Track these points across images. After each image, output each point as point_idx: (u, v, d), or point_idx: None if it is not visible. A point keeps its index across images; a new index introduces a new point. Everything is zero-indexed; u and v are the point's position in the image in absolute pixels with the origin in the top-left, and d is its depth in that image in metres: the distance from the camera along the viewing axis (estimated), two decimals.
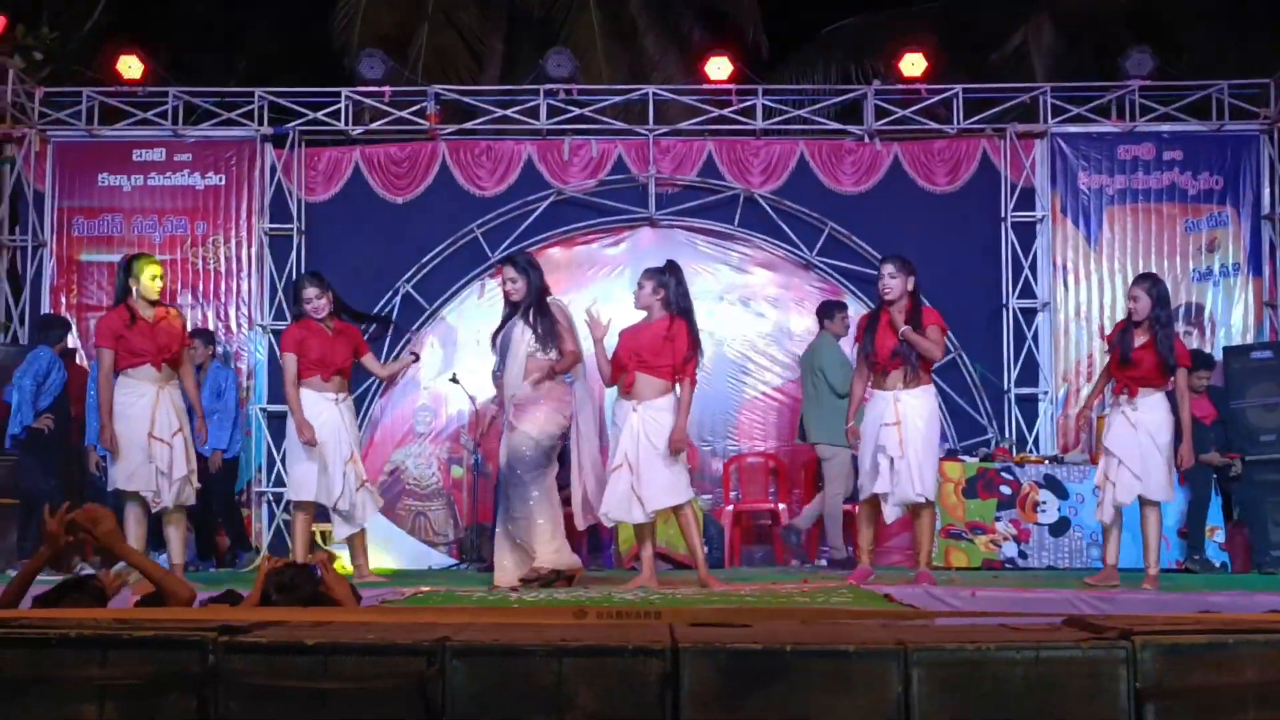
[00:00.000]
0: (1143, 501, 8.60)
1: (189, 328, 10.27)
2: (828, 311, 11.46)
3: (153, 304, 8.66)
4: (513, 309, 8.64)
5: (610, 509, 8.63)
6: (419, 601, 7.40)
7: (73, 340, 12.01)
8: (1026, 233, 12.37)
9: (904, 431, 8.49)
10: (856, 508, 9.17)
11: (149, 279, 8.61)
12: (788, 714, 3.30)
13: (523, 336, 8.46)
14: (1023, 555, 10.95)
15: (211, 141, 12.55)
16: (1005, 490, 10.98)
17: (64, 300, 12.32)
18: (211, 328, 12.10)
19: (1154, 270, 12.16)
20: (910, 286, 8.82)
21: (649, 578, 8.50)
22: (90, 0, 17.71)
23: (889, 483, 8.50)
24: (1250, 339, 12.09)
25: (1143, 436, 8.50)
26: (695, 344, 8.60)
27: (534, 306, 8.52)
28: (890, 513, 8.67)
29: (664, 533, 10.26)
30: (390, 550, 11.29)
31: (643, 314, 8.75)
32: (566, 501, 8.90)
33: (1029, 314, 12.22)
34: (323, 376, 8.98)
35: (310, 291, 9.06)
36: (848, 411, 9.20)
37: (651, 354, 8.52)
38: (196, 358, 10.79)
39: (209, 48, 18.61)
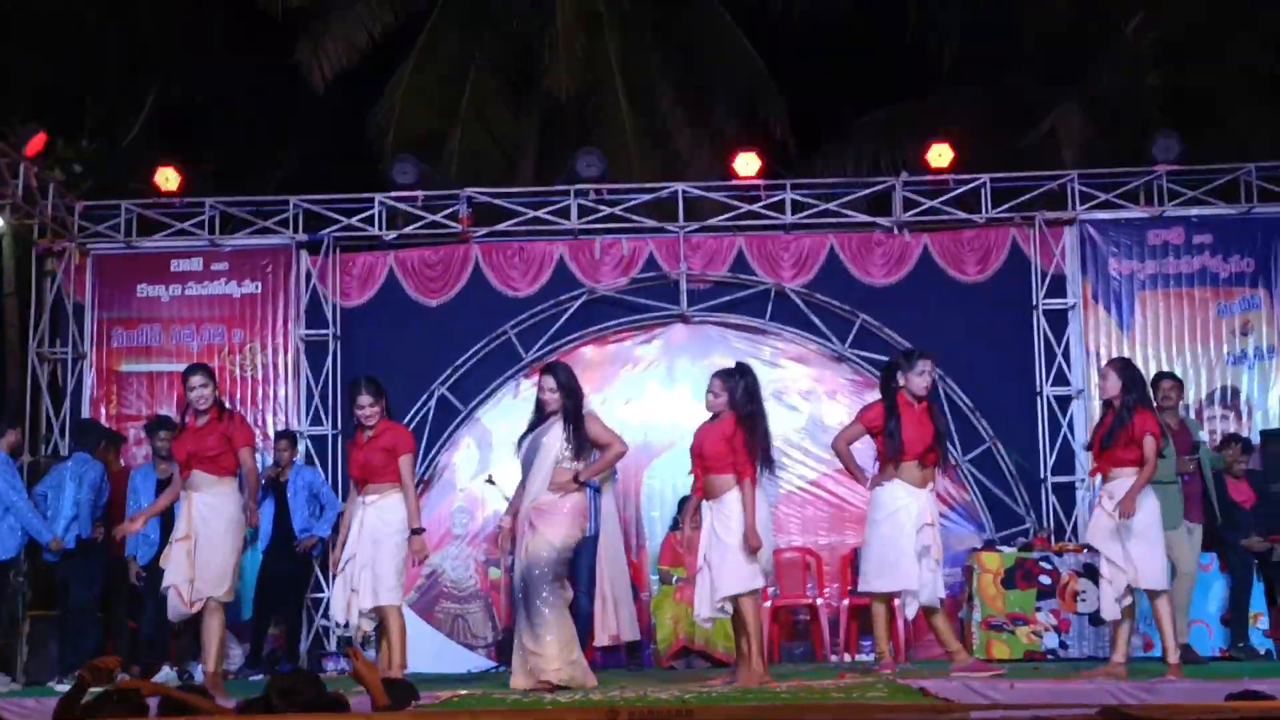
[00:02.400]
0: (1147, 591, 8.56)
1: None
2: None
3: (201, 412, 8.66)
4: (541, 416, 8.66)
5: (698, 609, 8.75)
6: (454, 705, 7.37)
7: (126, 454, 12.10)
8: (1058, 320, 12.38)
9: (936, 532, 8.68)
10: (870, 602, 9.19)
11: (190, 388, 8.66)
12: None
13: (554, 443, 8.48)
14: (1063, 645, 10.86)
15: (248, 250, 12.71)
16: (1045, 580, 10.91)
17: (104, 410, 12.42)
18: None
19: (1188, 354, 12.19)
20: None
21: (750, 675, 8.47)
22: (130, 113, 18.07)
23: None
24: None
25: (1120, 523, 8.49)
26: (755, 445, 8.62)
27: (573, 418, 8.54)
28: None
29: (701, 631, 10.25)
30: (429, 653, 11.27)
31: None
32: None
33: (1063, 401, 12.19)
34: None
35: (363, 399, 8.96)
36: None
37: (714, 456, 8.58)
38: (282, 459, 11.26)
39: (245, 157, 18.90)
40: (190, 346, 12.53)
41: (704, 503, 8.68)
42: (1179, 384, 10.79)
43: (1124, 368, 8.86)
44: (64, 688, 9.48)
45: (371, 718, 4.70)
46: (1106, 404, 8.75)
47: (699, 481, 8.74)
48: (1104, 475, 8.73)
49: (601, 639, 9.21)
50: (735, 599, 8.50)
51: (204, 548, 8.47)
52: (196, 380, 8.66)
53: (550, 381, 8.63)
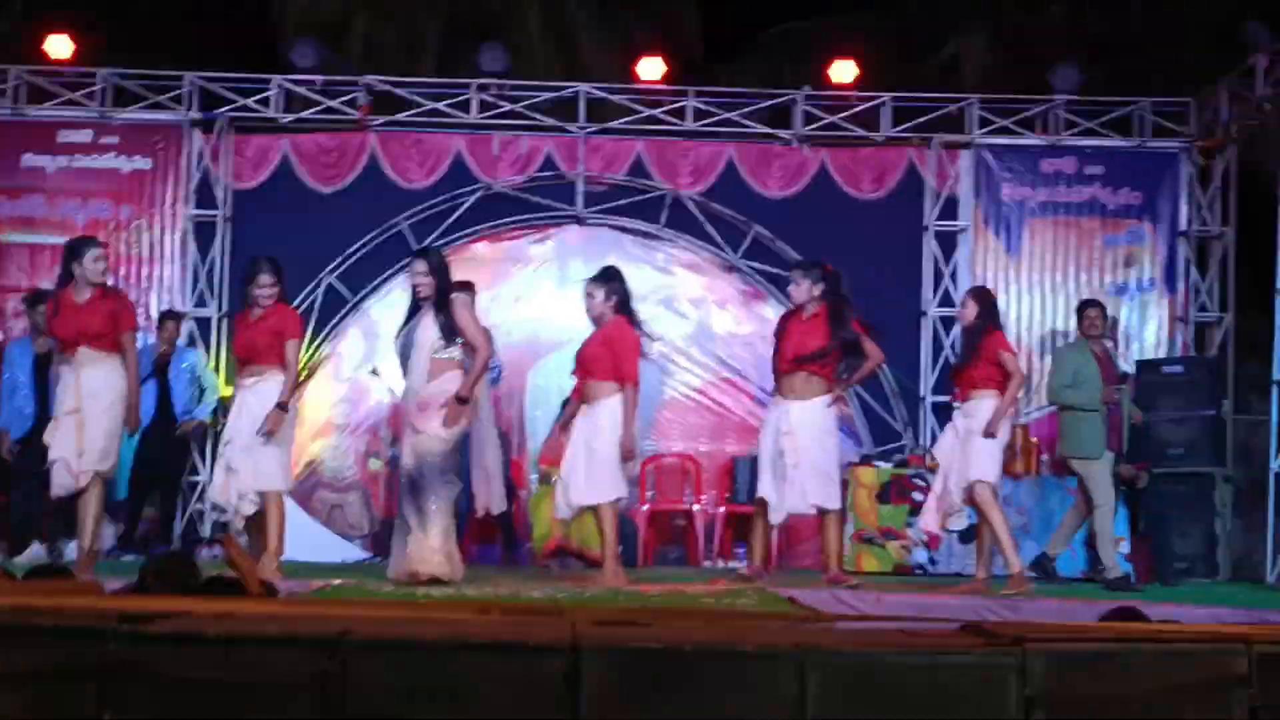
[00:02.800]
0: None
1: None
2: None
3: (93, 286, 8.45)
4: (417, 306, 8.62)
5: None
6: (324, 594, 7.38)
7: (2, 325, 11.90)
8: (949, 242, 12.52)
9: (797, 441, 8.71)
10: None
11: (90, 260, 8.43)
12: (687, 713, 3.34)
13: (427, 334, 8.43)
14: (933, 561, 11.10)
15: (139, 125, 12.44)
16: (917, 497, 11.07)
17: None
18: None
19: (1072, 283, 12.38)
20: (817, 292, 8.96)
21: (601, 579, 8.57)
22: None
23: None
24: (1163, 353, 12.29)
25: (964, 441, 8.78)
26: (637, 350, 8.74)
27: (440, 304, 8.48)
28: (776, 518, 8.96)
29: (577, 530, 10.32)
30: (304, 542, 11.23)
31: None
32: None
33: (948, 323, 12.32)
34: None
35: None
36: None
37: (594, 359, 8.68)
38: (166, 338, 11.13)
39: (141, 31, 18.43)
40: (75, 220, 12.24)
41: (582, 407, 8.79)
42: (1103, 311, 10.93)
43: (981, 295, 9.16)
44: None
45: (241, 602, 4.70)
46: (965, 331, 8.95)
47: (579, 386, 8.83)
48: (964, 399, 8.98)
49: (479, 511, 9.26)
50: (595, 507, 8.61)
51: (91, 422, 8.32)
52: (96, 253, 8.46)
53: (421, 265, 8.59)
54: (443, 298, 8.49)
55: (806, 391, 8.92)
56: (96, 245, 8.57)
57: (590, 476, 8.63)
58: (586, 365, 8.82)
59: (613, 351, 8.68)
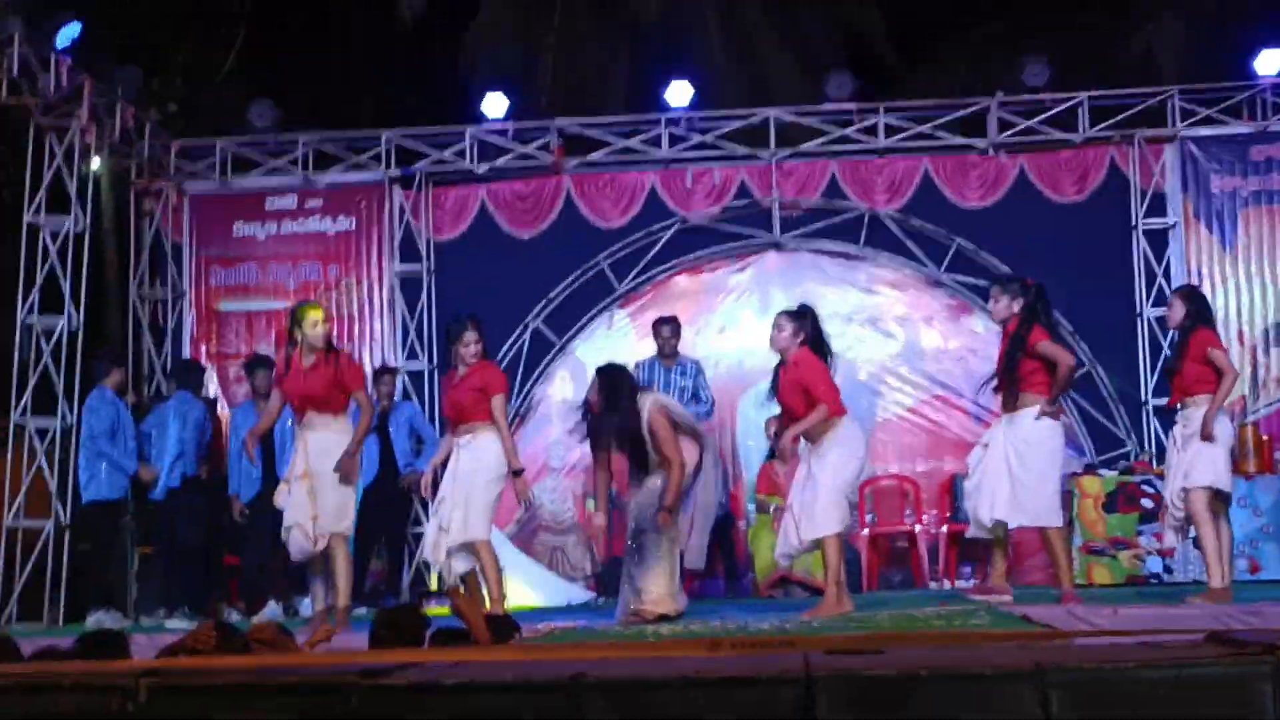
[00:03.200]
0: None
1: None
2: None
3: (315, 350, 8.63)
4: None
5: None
6: (555, 638, 7.43)
7: (213, 388, 12.29)
8: (1159, 240, 12.18)
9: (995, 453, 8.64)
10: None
11: (310, 326, 8.58)
12: None
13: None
14: (1168, 570, 10.75)
15: (341, 187, 12.79)
16: (1147, 504, 10.78)
17: (204, 349, 12.61)
18: None
19: None
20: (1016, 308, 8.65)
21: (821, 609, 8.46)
22: (221, 50, 18.18)
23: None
24: None
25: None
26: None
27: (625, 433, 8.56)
28: None
29: (801, 560, 10.23)
30: (528, 586, 11.35)
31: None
32: None
33: (1164, 323, 11.97)
34: None
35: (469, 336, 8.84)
36: None
37: (794, 405, 8.57)
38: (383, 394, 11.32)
39: (336, 93, 18.95)
40: (287, 284, 12.65)
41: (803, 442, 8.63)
42: None
43: (1187, 294, 8.85)
44: (173, 624, 9.69)
45: (478, 651, 4.75)
46: (1175, 333, 8.67)
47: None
48: (1180, 404, 8.68)
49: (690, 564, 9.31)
50: (819, 540, 8.49)
51: (322, 485, 8.47)
52: (315, 318, 8.57)
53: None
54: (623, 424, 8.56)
55: (1017, 405, 8.65)
56: (316, 309, 8.69)
57: (813, 511, 8.49)
58: (789, 409, 8.69)
59: (804, 384, 8.51)
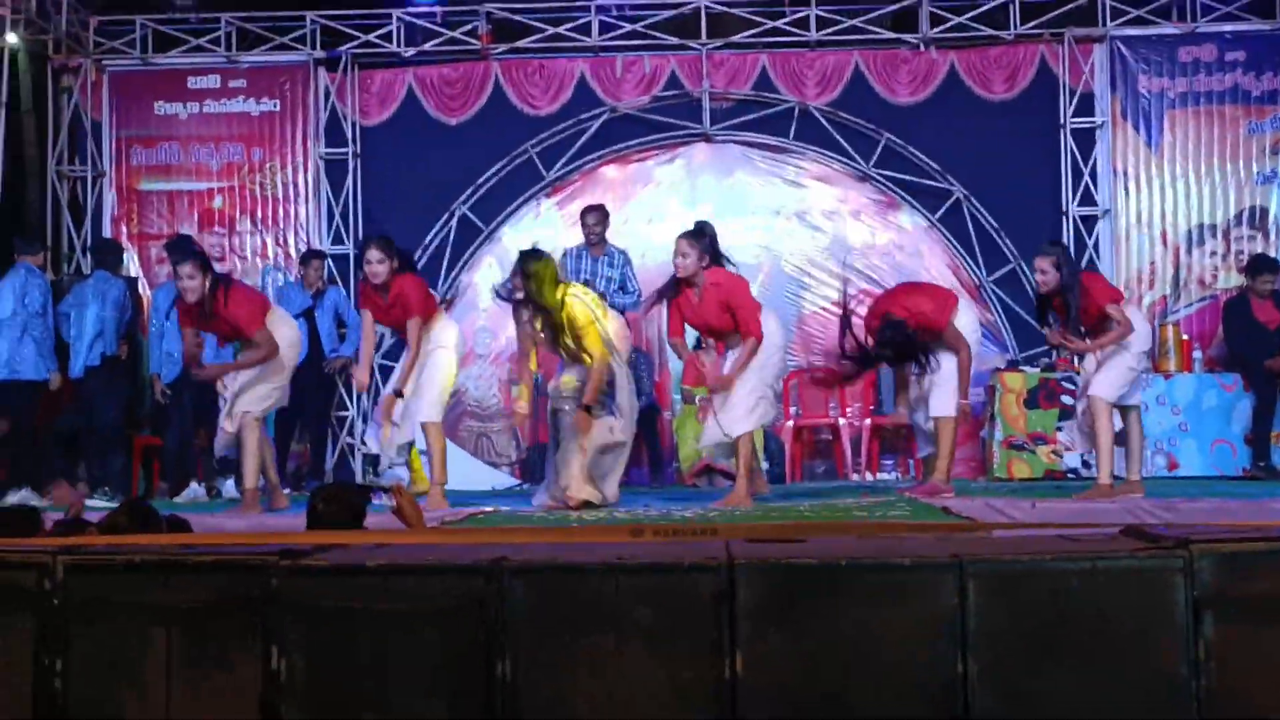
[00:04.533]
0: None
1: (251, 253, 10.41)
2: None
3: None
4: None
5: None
6: (478, 522, 7.46)
7: (134, 269, 12.15)
8: (1086, 139, 12.23)
9: None
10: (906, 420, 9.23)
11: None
12: (843, 628, 3.31)
13: None
14: (1085, 465, 10.89)
15: (265, 67, 12.58)
16: (1067, 400, 10.89)
17: (125, 229, 12.43)
18: (272, 254, 12.25)
19: (1216, 174, 12.03)
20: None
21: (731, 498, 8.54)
22: None
23: None
24: None
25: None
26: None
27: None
28: None
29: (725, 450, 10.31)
30: (452, 471, 11.35)
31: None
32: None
33: (1089, 221, 12.09)
34: None
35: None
36: None
37: (721, 327, 8.70)
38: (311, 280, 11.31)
39: None
40: (210, 165, 12.50)
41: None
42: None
43: (1053, 254, 8.51)
44: (93, 503, 9.64)
45: (395, 533, 4.75)
46: (1046, 298, 8.56)
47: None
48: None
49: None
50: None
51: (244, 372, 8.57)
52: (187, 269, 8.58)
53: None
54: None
55: None
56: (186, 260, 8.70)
57: (728, 411, 8.55)
58: (714, 328, 8.74)
59: (730, 304, 8.54)
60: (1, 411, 10.53)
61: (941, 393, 8.64)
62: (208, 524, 6.34)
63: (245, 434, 8.45)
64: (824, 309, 12.26)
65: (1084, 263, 11.89)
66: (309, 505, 5.09)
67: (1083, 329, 8.39)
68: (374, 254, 8.66)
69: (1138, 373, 8.55)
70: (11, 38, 11.76)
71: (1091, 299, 8.31)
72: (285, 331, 8.67)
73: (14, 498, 9.66)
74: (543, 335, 8.54)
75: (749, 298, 8.63)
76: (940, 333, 8.58)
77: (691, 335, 9.28)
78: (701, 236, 8.63)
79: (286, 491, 9.36)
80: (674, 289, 8.66)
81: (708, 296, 8.49)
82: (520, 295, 8.57)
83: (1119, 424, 8.56)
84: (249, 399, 8.45)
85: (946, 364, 8.61)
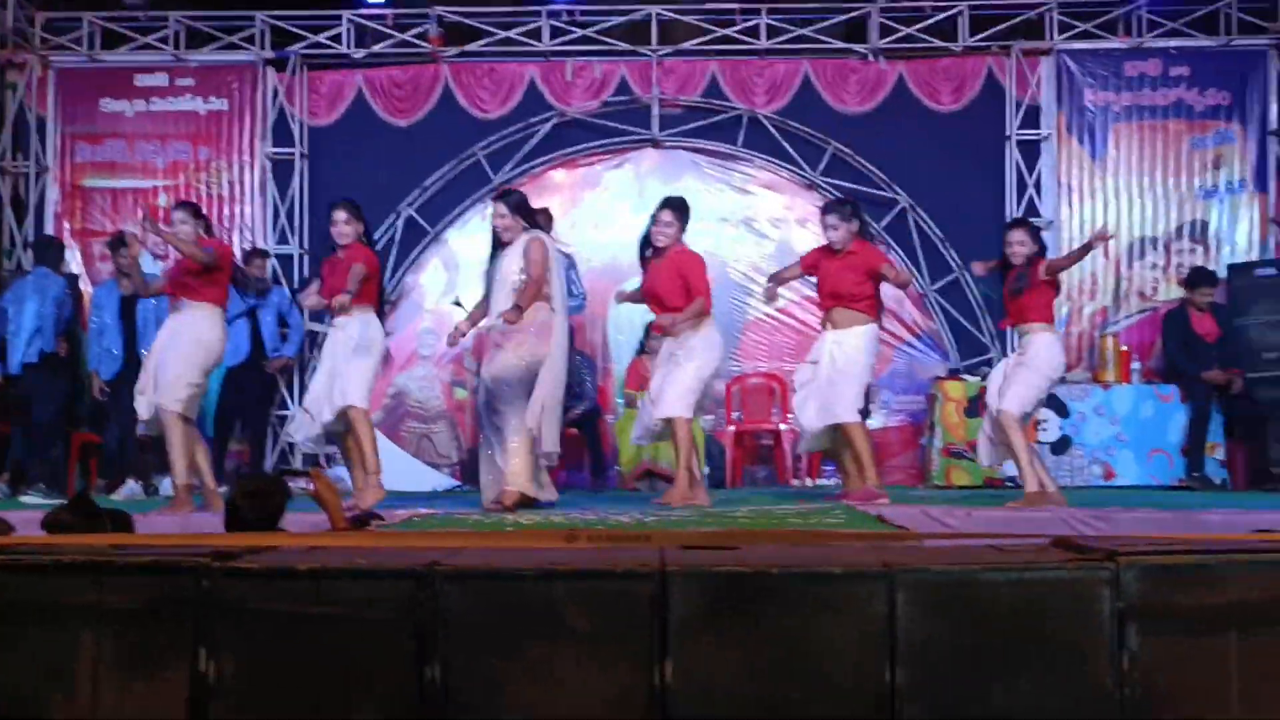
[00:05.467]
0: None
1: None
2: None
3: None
4: (498, 243, 8.69)
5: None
6: (414, 525, 7.43)
7: (75, 265, 12.07)
8: (1031, 151, 12.34)
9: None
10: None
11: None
12: (774, 635, 3.33)
13: (512, 267, 8.50)
14: None
15: (213, 66, 12.52)
16: None
17: (67, 226, 12.36)
18: None
19: (1159, 187, 12.18)
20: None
21: (671, 494, 8.63)
22: None
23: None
24: (1255, 256, 12.07)
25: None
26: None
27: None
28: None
29: (665, 453, 10.35)
30: (393, 472, 11.33)
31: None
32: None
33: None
34: None
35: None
36: None
37: (670, 294, 8.83)
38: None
39: None
40: (155, 163, 12.44)
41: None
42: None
43: (1036, 230, 9.12)
44: (29, 499, 9.58)
45: (328, 536, 4.73)
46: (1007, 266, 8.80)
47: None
48: (1019, 330, 8.89)
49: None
50: (670, 420, 8.64)
51: (164, 360, 8.46)
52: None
53: (502, 208, 8.66)
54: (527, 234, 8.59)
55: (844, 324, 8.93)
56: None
57: (662, 395, 8.68)
58: (663, 298, 8.86)
59: (685, 276, 8.73)
60: None
61: (845, 402, 8.83)
62: (140, 523, 6.28)
63: (166, 429, 8.39)
64: (768, 315, 12.30)
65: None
66: (228, 500, 5.05)
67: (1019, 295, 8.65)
68: (340, 214, 8.73)
69: (1044, 393, 8.75)
70: None
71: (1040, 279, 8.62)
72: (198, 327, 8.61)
73: None
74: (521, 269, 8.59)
75: (704, 272, 8.85)
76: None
77: (636, 335, 9.33)
78: (684, 210, 8.79)
79: (223, 490, 9.30)
80: (647, 253, 8.91)
81: (667, 263, 8.64)
82: (507, 237, 8.66)
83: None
84: (167, 391, 8.38)
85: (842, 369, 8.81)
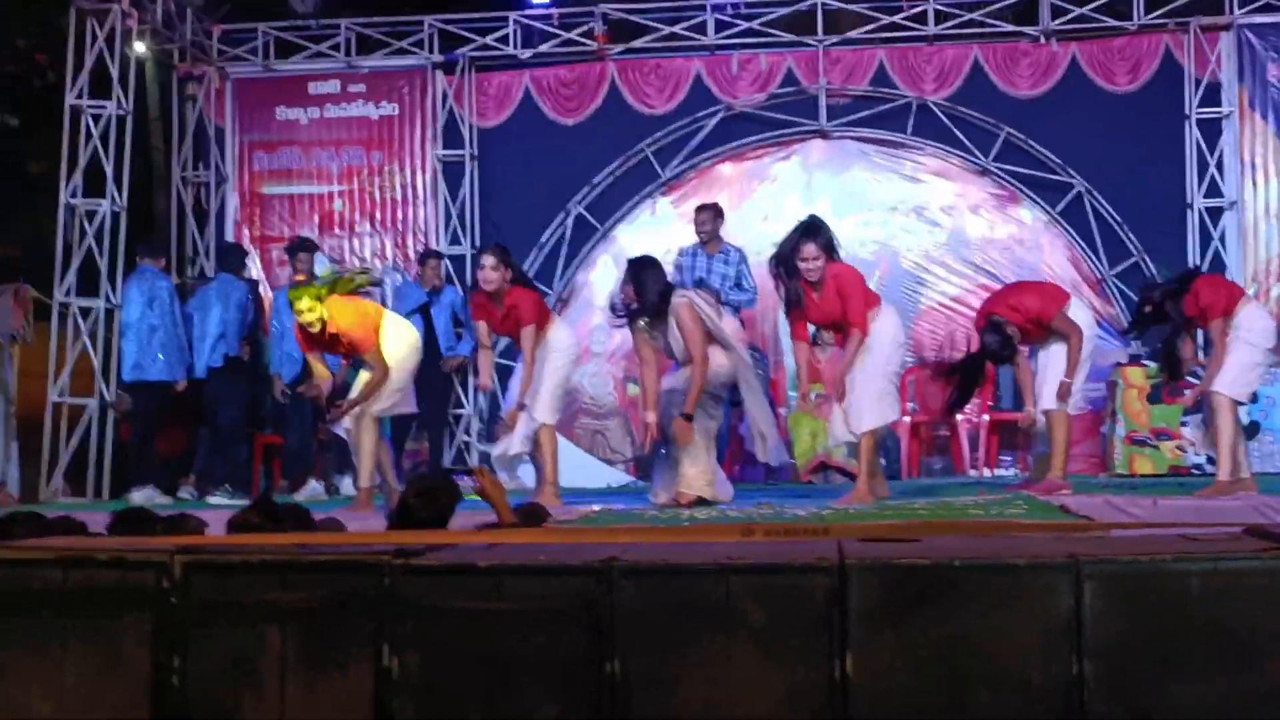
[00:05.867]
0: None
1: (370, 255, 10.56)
2: None
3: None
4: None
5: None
6: (590, 521, 7.47)
7: (255, 271, 12.35)
8: (1212, 130, 11.98)
9: None
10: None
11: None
12: (956, 629, 3.27)
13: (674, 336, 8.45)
14: (1211, 461, 10.66)
15: (384, 72, 12.73)
16: None
17: (247, 233, 12.68)
18: (390, 256, 12.39)
19: None
20: None
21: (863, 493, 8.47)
22: None
23: None
24: None
25: None
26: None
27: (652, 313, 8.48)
28: None
29: (840, 447, 10.26)
30: (567, 468, 11.40)
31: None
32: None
33: (1215, 214, 11.85)
34: None
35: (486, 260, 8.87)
36: None
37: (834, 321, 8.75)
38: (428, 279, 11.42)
39: None
40: (330, 169, 12.70)
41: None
42: None
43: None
44: (215, 500, 9.83)
45: (513, 533, 4.76)
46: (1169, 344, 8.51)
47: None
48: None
49: (762, 458, 9.26)
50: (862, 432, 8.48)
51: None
52: (300, 307, 8.52)
53: (490, 259, 8.70)
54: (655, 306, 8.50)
55: None
56: (299, 297, 8.65)
57: (854, 408, 8.49)
58: (831, 317, 8.71)
59: (844, 296, 8.48)
60: (128, 412, 10.78)
61: (1050, 388, 8.54)
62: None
63: (361, 433, 8.55)
64: (942, 304, 12.16)
65: (1210, 255, 11.71)
66: (400, 498, 5.11)
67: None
68: (488, 259, 8.75)
69: (1263, 368, 8.40)
70: (139, 47, 12.08)
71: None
72: (403, 334, 8.77)
73: (138, 496, 9.87)
74: (656, 341, 8.53)
75: (862, 288, 8.56)
76: (1048, 324, 8.49)
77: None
78: (821, 235, 8.54)
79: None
80: (798, 298, 8.56)
81: (828, 290, 8.43)
82: (634, 305, 8.55)
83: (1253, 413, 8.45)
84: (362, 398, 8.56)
85: (1055, 358, 8.53)
